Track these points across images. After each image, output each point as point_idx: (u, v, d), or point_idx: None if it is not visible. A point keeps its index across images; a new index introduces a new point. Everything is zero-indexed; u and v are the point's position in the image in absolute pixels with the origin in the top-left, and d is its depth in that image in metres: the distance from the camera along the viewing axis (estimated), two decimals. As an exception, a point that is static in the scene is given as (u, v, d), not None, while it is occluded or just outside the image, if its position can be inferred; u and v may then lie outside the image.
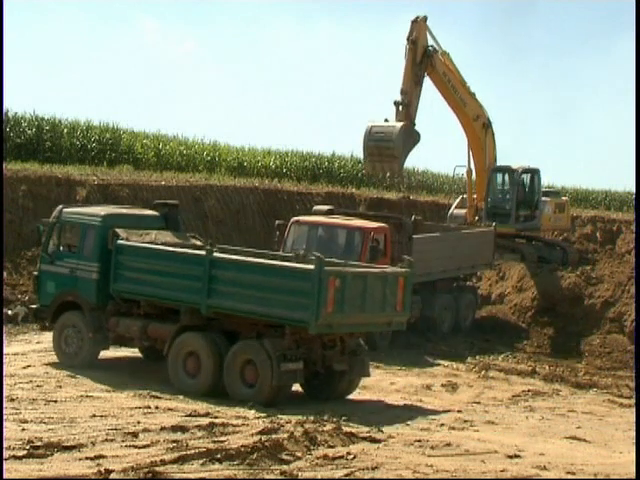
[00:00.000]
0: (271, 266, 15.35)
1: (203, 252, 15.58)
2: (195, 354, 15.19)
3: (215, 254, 15.40)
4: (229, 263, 15.42)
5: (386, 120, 24.78)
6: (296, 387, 16.40)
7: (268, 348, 14.48)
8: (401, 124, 23.99)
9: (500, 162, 28.26)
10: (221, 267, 15.26)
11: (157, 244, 16.33)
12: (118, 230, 16.28)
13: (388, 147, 24.36)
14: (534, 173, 28.00)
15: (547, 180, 48.87)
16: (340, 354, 15.30)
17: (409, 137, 24.13)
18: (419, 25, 25.79)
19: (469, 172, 27.96)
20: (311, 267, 14.44)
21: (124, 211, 17.92)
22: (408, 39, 25.53)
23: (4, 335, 18.48)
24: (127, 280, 16.10)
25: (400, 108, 24.84)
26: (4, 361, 15.87)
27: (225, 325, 15.44)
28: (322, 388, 15.63)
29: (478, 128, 27.12)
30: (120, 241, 16.13)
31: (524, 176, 27.87)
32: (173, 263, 15.73)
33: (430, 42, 26.00)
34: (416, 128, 24.93)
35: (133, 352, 17.48)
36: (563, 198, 29.39)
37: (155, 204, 18.67)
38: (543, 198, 28.16)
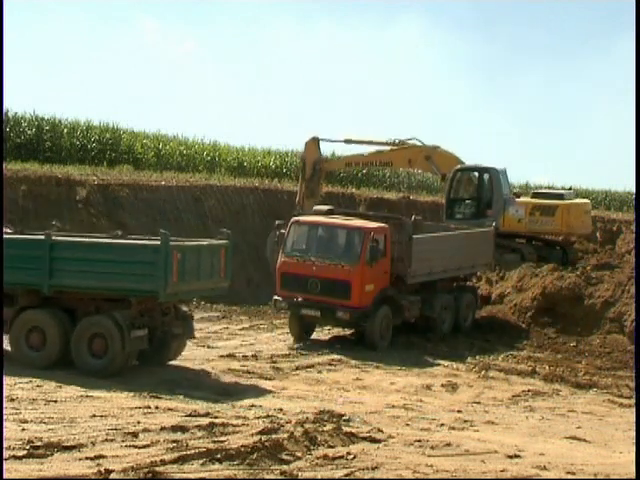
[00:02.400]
0: (119, 244, 16.97)
1: (42, 236, 16.66)
2: (38, 329, 16.30)
3: (54, 237, 16.62)
4: (72, 245, 16.88)
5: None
6: (299, 387, 16.45)
7: (118, 318, 15.86)
8: (271, 233, 24.79)
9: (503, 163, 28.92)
10: (63, 249, 16.48)
11: None
12: None
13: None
14: (484, 172, 28.18)
15: (547, 180, 49.13)
16: (176, 319, 17.17)
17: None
18: (307, 145, 29.33)
19: (443, 175, 28.64)
20: (158, 243, 15.95)
21: None
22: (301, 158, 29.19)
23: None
24: None
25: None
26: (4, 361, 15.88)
27: (64, 302, 16.51)
28: (158, 352, 17.05)
29: (420, 164, 28.88)
30: None
31: (461, 174, 28.31)
32: (10, 249, 16.41)
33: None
34: None
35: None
36: (564, 202, 28.63)
37: None
38: (520, 199, 28.37)
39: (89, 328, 16.07)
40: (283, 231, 21.57)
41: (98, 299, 16.36)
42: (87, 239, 17.67)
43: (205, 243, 17.56)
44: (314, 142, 29.36)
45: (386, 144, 29.51)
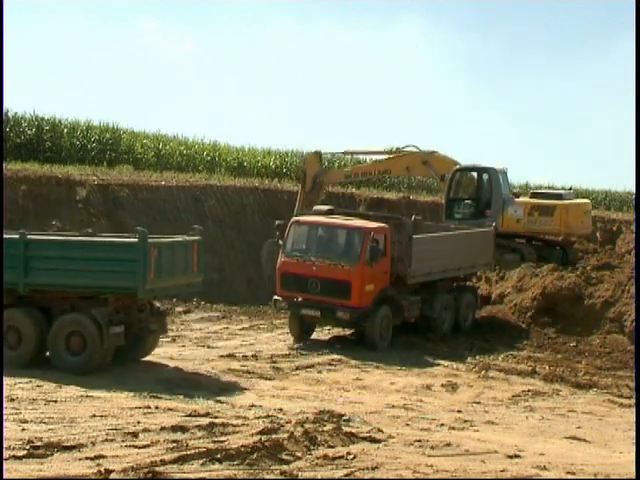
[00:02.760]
0: (97, 242, 17.25)
1: (16, 235, 16.71)
2: (14, 328, 16.38)
3: (29, 236, 16.69)
4: (47, 243, 16.91)
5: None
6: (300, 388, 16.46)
7: (96, 316, 16.09)
8: (266, 242, 25.21)
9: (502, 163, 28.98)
10: (39, 247, 16.59)
11: None
12: None
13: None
14: (483, 172, 28.27)
15: (547, 180, 49.15)
16: (151, 315, 17.47)
17: (274, 252, 25.07)
18: (308, 159, 30.14)
19: (443, 176, 28.76)
20: (135, 240, 16.24)
21: None
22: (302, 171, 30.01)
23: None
24: None
25: None
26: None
27: (38, 301, 16.66)
28: (132, 349, 17.31)
29: (418, 170, 29.36)
30: None
31: (461, 174, 28.50)
32: None
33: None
34: None
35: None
36: (563, 202, 28.48)
37: None
38: (518, 199, 28.39)
39: (67, 326, 16.23)
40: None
41: (74, 297, 16.53)
42: (62, 237, 17.81)
43: (179, 239, 17.77)
44: (316, 156, 29.88)
45: (383, 153, 30.06)
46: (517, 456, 11.90)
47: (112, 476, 9.84)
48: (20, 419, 12.39)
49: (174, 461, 10.47)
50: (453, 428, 13.69)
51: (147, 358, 17.90)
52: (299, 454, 11.14)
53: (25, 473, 9.92)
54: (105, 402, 13.87)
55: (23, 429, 11.84)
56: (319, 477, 10.39)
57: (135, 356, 17.47)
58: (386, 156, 29.71)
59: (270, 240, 24.65)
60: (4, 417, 12.06)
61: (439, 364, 19.74)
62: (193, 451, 10.88)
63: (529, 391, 17.47)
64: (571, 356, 21.49)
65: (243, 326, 23.27)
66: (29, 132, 36.26)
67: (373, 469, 10.75)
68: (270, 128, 77.84)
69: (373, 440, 12.26)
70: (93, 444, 11.19)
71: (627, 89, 74.06)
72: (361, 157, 35.55)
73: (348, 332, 22.37)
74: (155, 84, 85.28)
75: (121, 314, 16.69)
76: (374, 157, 30.69)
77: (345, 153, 32.22)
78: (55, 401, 13.77)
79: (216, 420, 12.78)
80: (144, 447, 11.13)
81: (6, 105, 35.30)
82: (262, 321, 24.30)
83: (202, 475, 10.14)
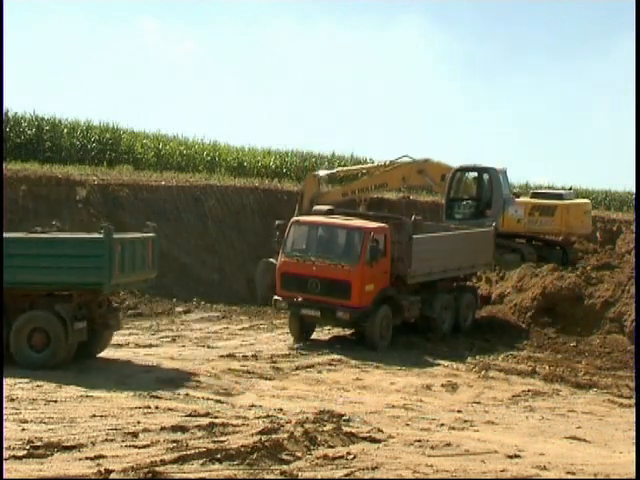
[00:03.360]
0: (63, 239, 17.63)
1: None
2: None
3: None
4: (13, 242, 16.79)
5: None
6: (299, 386, 16.45)
7: (61, 312, 16.33)
8: (261, 261, 25.57)
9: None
10: (5, 246, 16.41)
11: None
12: None
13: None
14: (484, 172, 28.33)
15: (547, 180, 49.16)
16: (109, 312, 17.84)
17: (267, 272, 25.16)
18: (307, 180, 30.42)
19: (443, 176, 28.83)
20: (101, 237, 16.54)
21: None
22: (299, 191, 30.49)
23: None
24: None
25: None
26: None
27: None
28: (91, 344, 17.45)
29: (414, 179, 29.55)
30: None
31: (461, 174, 28.74)
32: None
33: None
34: None
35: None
36: (563, 202, 28.48)
37: None
38: (519, 199, 28.41)
39: (30, 322, 16.38)
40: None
41: (34, 294, 16.61)
42: (25, 235, 17.73)
43: (137, 236, 18.04)
44: (314, 177, 30.13)
45: (377, 167, 30.21)
46: (517, 456, 11.90)
47: (112, 476, 9.84)
48: (20, 419, 12.40)
49: (174, 461, 10.47)
50: (453, 428, 13.69)
51: (148, 358, 17.92)
52: (299, 454, 11.14)
53: (25, 473, 9.93)
54: (105, 402, 13.87)
55: (23, 429, 11.85)
56: (319, 477, 10.40)
57: (92, 352, 17.64)
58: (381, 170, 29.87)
59: (265, 259, 24.74)
60: (4, 417, 12.07)
61: (439, 364, 19.74)
62: (193, 451, 10.88)
63: (529, 391, 17.46)
64: (571, 356, 21.49)
65: (243, 326, 23.27)
66: (29, 132, 36.26)
67: (373, 469, 10.76)
68: (270, 128, 77.92)
69: (373, 440, 12.26)
70: (93, 444, 11.19)
71: (627, 89, 74.18)
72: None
73: (348, 332, 22.38)
74: (155, 84, 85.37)
75: (84, 310, 16.98)
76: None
77: (338, 172, 32.55)
78: (55, 401, 13.77)
79: (216, 420, 12.78)
80: (144, 447, 11.13)
81: (6, 105, 35.35)
82: (262, 321, 24.30)
83: (202, 475, 10.14)
